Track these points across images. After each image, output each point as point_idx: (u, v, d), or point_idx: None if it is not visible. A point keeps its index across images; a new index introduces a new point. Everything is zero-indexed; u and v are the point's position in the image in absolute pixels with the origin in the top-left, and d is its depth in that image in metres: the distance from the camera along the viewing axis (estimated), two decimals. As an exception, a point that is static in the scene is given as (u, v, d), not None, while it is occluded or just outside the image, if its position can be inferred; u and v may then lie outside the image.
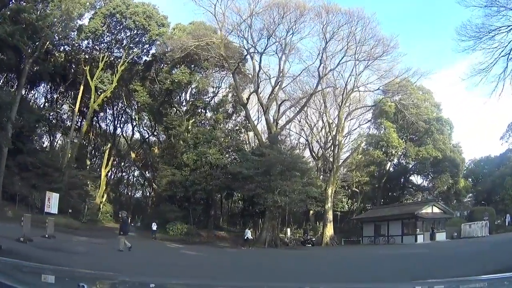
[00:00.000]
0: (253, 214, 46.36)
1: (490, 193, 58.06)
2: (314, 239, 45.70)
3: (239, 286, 5.01)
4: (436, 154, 51.12)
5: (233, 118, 52.70)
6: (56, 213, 28.62)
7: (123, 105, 53.47)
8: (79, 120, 49.33)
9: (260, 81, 44.43)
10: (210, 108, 50.14)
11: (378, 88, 46.90)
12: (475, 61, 38.77)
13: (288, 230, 48.23)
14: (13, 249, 12.23)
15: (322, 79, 43.68)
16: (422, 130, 52.20)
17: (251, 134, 51.76)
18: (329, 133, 52.29)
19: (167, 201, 42.77)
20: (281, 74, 43.34)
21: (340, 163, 49.16)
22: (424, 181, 60.78)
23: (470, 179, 62.14)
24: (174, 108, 48.91)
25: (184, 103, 49.24)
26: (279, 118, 45.30)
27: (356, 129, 58.05)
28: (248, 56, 43.93)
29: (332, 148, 50.30)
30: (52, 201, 29.18)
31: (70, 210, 34.55)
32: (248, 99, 44.72)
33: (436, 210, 44.57)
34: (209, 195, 43.80)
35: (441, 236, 43.34)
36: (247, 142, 54.40)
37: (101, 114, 54.40)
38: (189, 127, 46.51)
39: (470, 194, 61.85)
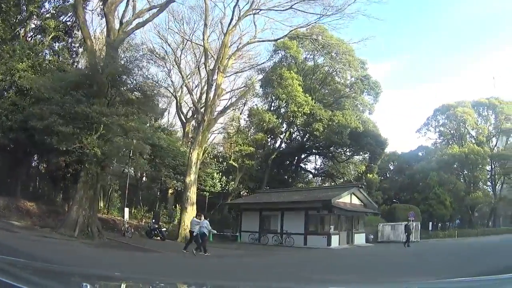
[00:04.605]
0: (65, 177, 27.39)
1: (398, 191, 50.73)
2: (166, 229, 27.22)
3: (239, 286, 4.62)
4: (356, 125, 35.91)
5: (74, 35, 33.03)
6: None
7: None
8: None
9: None
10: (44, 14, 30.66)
11: (291, 7, 29.93)
12: None
13: (126, 211, 27.53)
14: None
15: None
16: (346, 87, 36.95)
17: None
18: (205, 69, 33.88)
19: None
20: None
21: (216, 115, 31.22)
22: (325, 165, 46.27)
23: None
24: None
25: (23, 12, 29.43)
26: (129, 22, 25.33)
27: (242, 87, 41.19)
28: None
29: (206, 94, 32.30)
30: None
31: None
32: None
33: (355, 201, 29.54)
34: (15, 141, 23.39)
35: (360, 239, 29.17)
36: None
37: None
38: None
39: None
